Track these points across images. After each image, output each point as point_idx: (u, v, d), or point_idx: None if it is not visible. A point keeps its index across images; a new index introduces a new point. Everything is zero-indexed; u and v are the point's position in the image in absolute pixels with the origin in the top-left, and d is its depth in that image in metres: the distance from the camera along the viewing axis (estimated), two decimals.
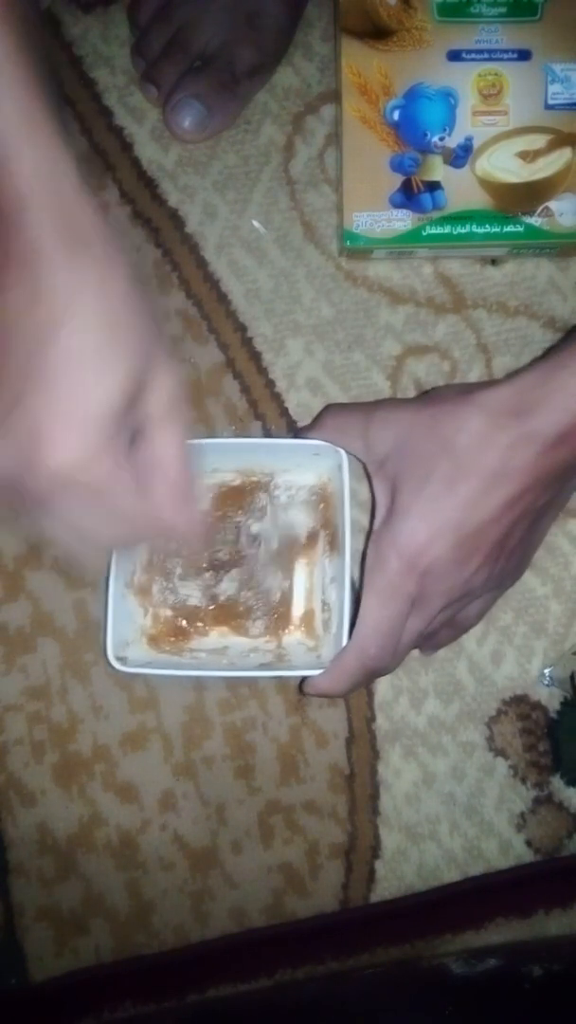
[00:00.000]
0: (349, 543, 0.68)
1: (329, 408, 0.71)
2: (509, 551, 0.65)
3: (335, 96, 0.77)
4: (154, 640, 0.73)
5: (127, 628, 0.71)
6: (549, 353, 0.64)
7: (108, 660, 0.68)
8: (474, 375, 0.77)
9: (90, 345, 0.48)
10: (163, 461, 0.52)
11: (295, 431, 0.77)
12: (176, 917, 0.76)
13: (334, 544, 0.73)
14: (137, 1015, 0.74)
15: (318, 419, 0.70)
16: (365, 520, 0.76)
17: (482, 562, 0.63)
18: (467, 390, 0.63)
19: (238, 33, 0.75)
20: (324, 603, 0.73)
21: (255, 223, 0.78)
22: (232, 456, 0.73)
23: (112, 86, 0.79)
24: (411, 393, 0.77)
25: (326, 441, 0.68)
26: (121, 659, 0.69)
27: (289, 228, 0.78)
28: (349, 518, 0.69)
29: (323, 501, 0.74)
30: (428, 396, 0.67)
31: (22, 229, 0.47)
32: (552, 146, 0.73)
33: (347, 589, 0.68)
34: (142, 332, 0.49)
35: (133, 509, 0.51)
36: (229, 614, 0.74)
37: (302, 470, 0.74)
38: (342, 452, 0.68)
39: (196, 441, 0.69)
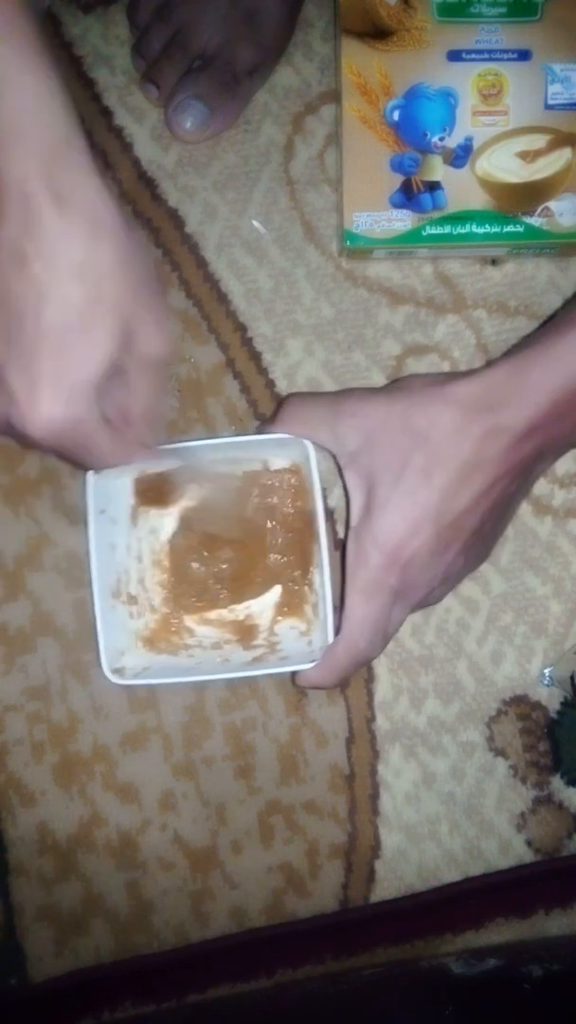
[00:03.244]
0: (324, 532, 0.69)
1: (290, 399, 0.71)
2: (483, 538, 0.67)
3: (335, 96, 0.77)
4: (150, 642, 0.74)
5: (120, 636, 0.72)
6: (519, 347, 0.65)
7: (105, 674, 0.69)
8: None
9: (78, 312, 0.51)
10: (130, 411, 0.59)
11: (259, 425, 0.77)
12: (176, 917, 0.76)
13: (312, 529, 0.73)
14: (137, 1015, 0.74)
15: (280, 411, 0.70)
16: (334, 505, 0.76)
17: (459, 550, 0.65)
18: (436, 382, 0.64)
19: (237, 32, 0.75)
20: (310, 586, 0.74)
21: (255, 223, 0.78)
22: (201, 456, 0.73)
23: (112, 86, 0.79)
24: None
25: (291, 434, 0.69)
26: (118, 670, 0.70)
27: (289, 228, 0.78)
28: (322, 508, 0.69)
29: (295, 486, 0.74)
30: (396, 387, 0.68)
31: (10, 167, 0.49)
32: (552, 146, 0.73)
33: (327, 575, 0.69)
34: (131, 287, 0.52)
35: (103, 450, 0.58)
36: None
37: (275, 459, 0.74)
38: (307, 443, 0.69)
39: (162, 447, 0.70)
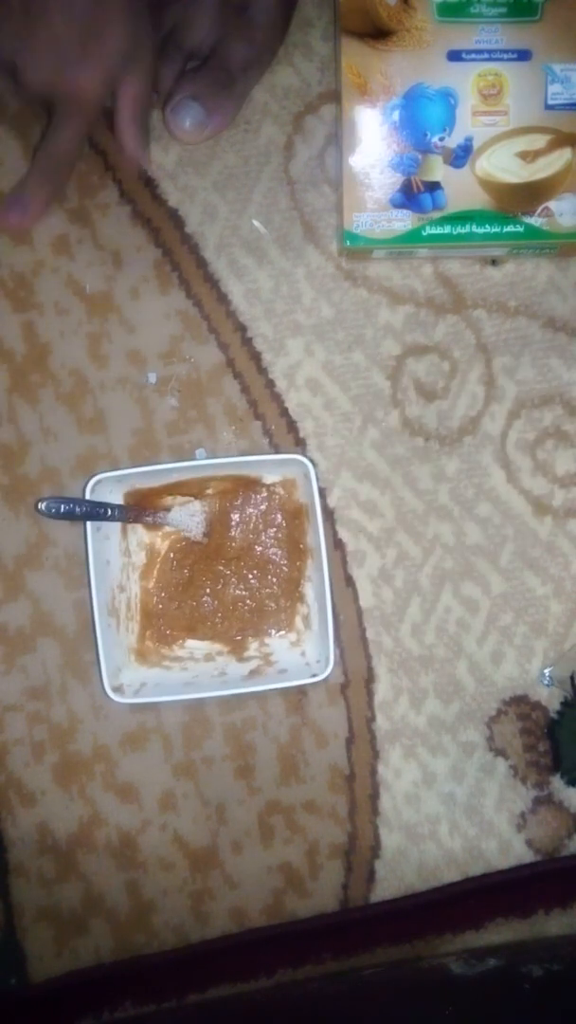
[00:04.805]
0: (324, 546, 0.70)
1: None
2: None
3: (335, 96, 0.77)
4: (141, 655, 0.74)
5: (116, 653, 0.72)
6: None
7: (107, 694, 0.70)
8: (474, 375, 0.77)
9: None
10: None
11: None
12: (176, 917, 0.76)
13: (302, 541, 0.74)
14: (137, 1015, 0.74)
15: None
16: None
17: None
18: None
19: (230, 28, 0.74)
20: (302, 599, 0.74)
21: (255, 223, 0.78)
22: (194, 474, 0.74)
23: None
24: (411, 393, 0.77)
25: None
26: (118, 688, 0.71)
27: (289, 228, 0.78)
28: (322, 523, 0.70)
29: (286, 500, 0.75)
30: None
31: None
32: (552, 146, 0.73)
33: (327, 590, 0.70)
34: None
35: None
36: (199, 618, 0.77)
37: (268, 475, 0.75)
38: (307, 461, 0.70)
39: (167, 466, 0.72)
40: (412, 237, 0.74)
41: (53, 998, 0.75)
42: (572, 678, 0.73)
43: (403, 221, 0.74)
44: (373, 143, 0.73)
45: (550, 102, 0.73)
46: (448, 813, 0.77)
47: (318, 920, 0.76)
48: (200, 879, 0.76)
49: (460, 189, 0.74)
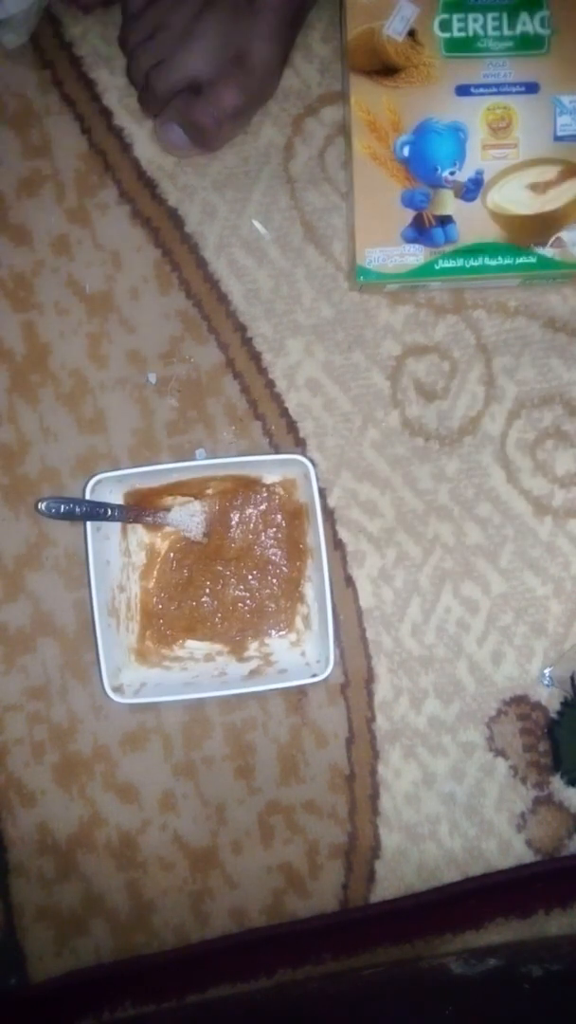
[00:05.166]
0: (324, 546, 0.71)
1: None
2: None
3: (335, 98, 0.77)
4: (141, 655, 0.74)
5: (116, 653, 0.72)
6: None
7: (107, 694, 0.70)
8: (474, 375, 0.78)
9: None
10: None
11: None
12: (176, 917, 0.76)
13: (302, 541, 0.75)
14: (137, 1015, 0.74)
15: None
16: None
17: None
18: None
19: (226, 73, 0.73)
20: (302, 599, 0.75)
21: (255, 223, 0.78)
22: (194, 474, 0.75)
23: (112, 86, 0.79)
24: (411, 393, 0.77)
25: None
26: (118, 688, 0.71)
27: (289, 228, 0.78)
28: (322, 523, 0.71)
29: (286, 501, 0.76)
30: None
31: None
32: (562, 177, 0.73)
33: (327, 590, 0.71)
34: None
35: None
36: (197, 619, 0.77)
37: (268, 475, 0.76)
38: (307, 461, 0.71)
39: (167, 466, 0.73)
40: (425, 271, 0.74)
41: (53, 998, 0.75)
42: (572, 678, 0.74)
43: (416, 256, 0.74)
44: (384, 179, 0.73)
45: (559, 134, 0.73)
46: (448, 813, 0.77)
47: (318, 920, 0.76)
48: (200, 879, 0.76)
49: (472, 222, 0.74)
